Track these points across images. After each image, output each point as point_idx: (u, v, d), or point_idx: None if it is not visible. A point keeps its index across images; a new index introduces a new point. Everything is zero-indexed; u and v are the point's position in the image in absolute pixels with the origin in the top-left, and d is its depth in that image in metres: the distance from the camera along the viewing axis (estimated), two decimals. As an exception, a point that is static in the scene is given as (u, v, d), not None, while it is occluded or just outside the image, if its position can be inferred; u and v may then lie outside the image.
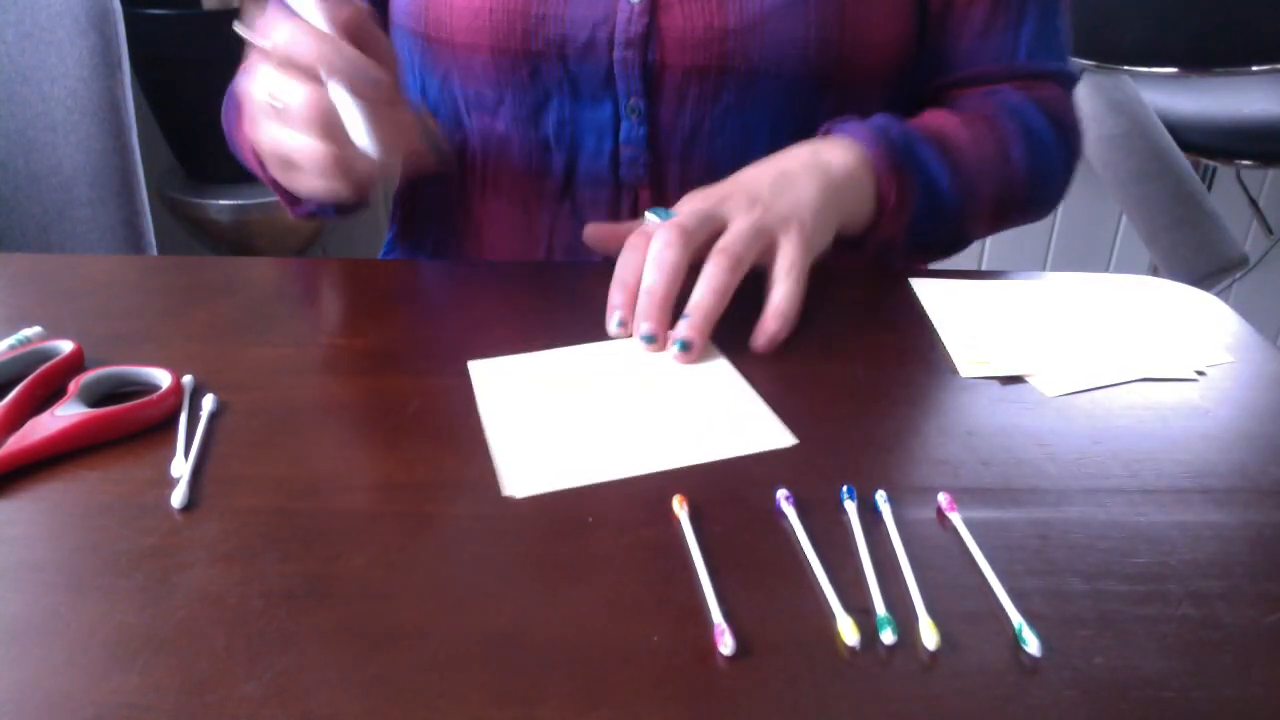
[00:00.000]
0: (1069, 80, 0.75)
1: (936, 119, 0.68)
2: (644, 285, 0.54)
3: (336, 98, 0.51)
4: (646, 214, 0.59)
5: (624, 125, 0.68)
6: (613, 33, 0.65)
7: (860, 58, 0.67)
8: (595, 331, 0.55)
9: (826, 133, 0.65)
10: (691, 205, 0.58)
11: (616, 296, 0.55)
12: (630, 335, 0.54)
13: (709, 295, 0.53)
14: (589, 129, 0.69)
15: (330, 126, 0.51)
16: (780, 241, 0.56)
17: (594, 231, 0.64)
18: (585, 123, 0.69)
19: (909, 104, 0.74)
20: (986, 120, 0.69)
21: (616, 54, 0.66)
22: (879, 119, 0.65)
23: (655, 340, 0.53)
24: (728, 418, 0.48)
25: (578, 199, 0.71)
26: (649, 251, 0.54)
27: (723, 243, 0.55)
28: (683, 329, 0.53)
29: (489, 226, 0.74)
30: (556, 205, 0.71)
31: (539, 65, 0.67)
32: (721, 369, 0.52)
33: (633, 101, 0.67)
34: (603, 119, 0.68)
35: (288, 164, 0.55)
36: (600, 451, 0.46)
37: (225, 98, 0.73)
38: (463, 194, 0.75)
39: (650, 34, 0.65)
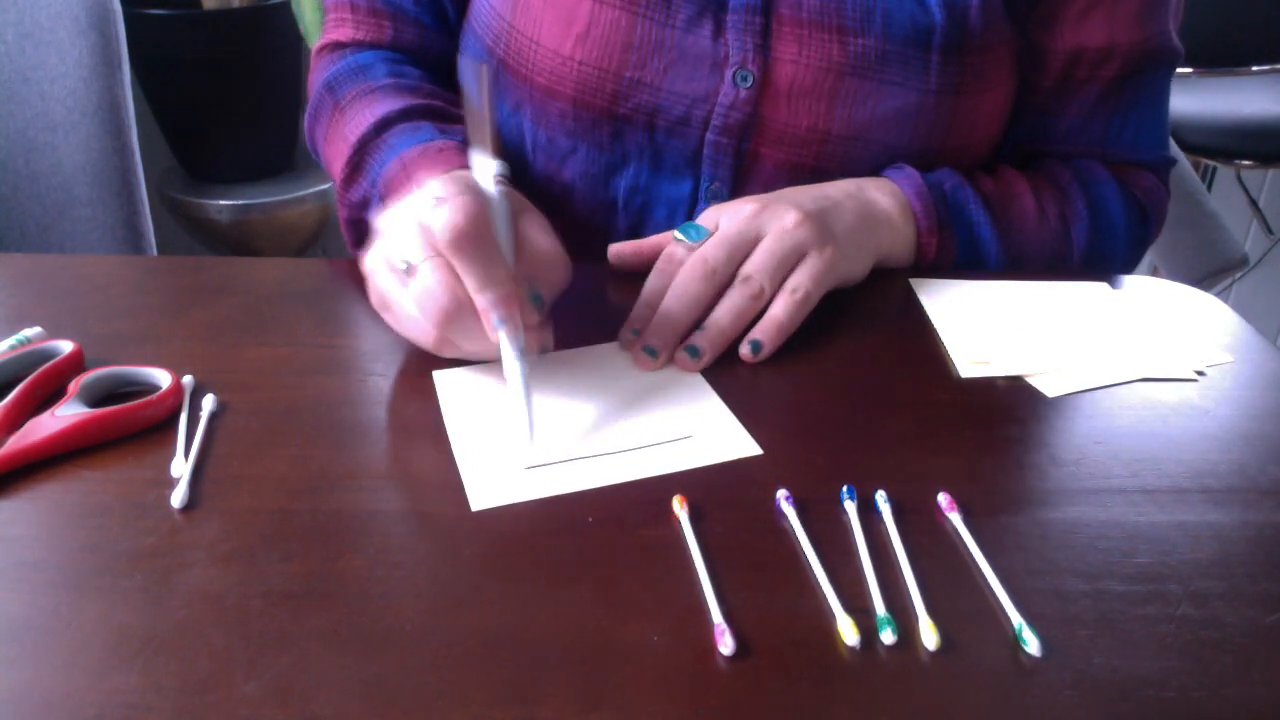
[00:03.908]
0: (1164, 165, 0.73)
1: (1005, 179, 0.67)
2: (662, 307, 0.53)
3: (504, 350, 0.47)
4: (675, 233, 0.57)
5: (700, 205, 0.65)
6: (710, 114, 0.62)
7: (955, 157, 0.66)
8: (598, 333, 0.55)
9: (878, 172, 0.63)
10: (726, 222, 0.56)
11: (639, 313, 0.54)
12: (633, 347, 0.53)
13: (725, 317, 0.53)
14: (662, 201, 0.66)
15: (452, 320, 0.46)
16: (805, 259, 0.55)
17: (618, 250, 0.61)
18: (659, 195, 0.66)
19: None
20: (1058, 192, 0.67)
21: (710, 136, 0.63)
22: (940, 172, 0.64)
23: (657, 355, 0.52)
24: (694, 427, 0.48)
25: None
26: (674, 281, 0.54)
27: (749, 268, 0.54)
28: (696, 337, 0.52)
29: None
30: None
31: (622, 129, 0.64)
32: (688, 378, 0.52)
33: (715, 186, 0.65)
34: (679, 195, 0.66)
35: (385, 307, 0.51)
36: (564, 463, 0.45)
37: (311, 103, 0.71)
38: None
39: (750, 123, 0.63)
